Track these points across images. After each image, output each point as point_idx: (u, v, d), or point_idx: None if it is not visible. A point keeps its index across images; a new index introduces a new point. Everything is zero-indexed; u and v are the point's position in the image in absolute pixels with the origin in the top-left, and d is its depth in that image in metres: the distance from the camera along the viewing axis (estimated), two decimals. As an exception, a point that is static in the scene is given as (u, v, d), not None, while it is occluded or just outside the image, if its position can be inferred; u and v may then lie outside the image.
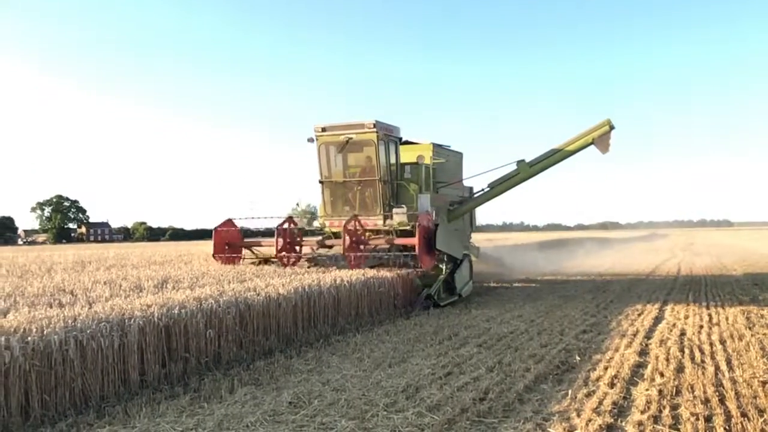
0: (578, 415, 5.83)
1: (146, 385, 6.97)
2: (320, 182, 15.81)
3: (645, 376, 7.21)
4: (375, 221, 15.00)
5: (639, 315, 12.01)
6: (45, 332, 6.03)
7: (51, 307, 7.47)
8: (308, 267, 14.26)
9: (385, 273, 12.78)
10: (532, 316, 12.11)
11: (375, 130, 14.71)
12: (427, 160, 16.23)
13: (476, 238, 21.11)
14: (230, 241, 15.72)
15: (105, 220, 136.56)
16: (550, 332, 10.25)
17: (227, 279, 10.85)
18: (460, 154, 19.11)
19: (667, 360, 8.02)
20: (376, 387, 6.85)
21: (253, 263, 15.19)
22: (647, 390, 6.60)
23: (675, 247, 48.66)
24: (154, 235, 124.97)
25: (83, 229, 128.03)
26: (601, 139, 16.19)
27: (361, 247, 13.94)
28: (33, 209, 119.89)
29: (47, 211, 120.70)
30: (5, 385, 5.58)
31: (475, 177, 19.08)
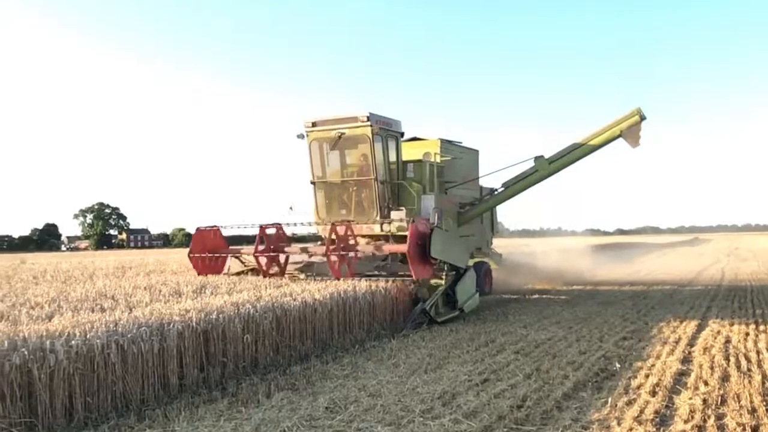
0: (618, 424, 5.71)
1: (185, 389, 7.07)
2: (312, 183, 14.36)
3: (688, 385, 7.01)
4: (372, 225, 13.55)
5: (681, 322, 11.72)
6: (88, 336, 6.17)
7: (93, 311, 7.65)
8: (304, 277, 12.90)
9: (382, 284, 11.31)
10: (571, 322, 11.92)
11: (369, 123, 13.20)
12: (435, 158, 14.92)
13: (503, 244, 20.63)
14: (213, 247, 13.92)
15: (145, 227, 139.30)
16: (589, 339, 10.07)
17: (264, 284, 10.96)
18: (476, 151, 17.63)
19: (712, 368, 7.80)
20: (412, 393, 6.81)
21: (239, 273, 13.77)
22: (691, 399, 6.42)
23: (719, 252, 47.37)
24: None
25: (123, 236, 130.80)
26: (630, 131, 14.61)
27: (350, 254, 12.24)
28: (76, 216, 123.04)
29: (89, 218, 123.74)
30: (50, 388, 5.72)
31: (489, 176, 17.32)
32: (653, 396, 6.58)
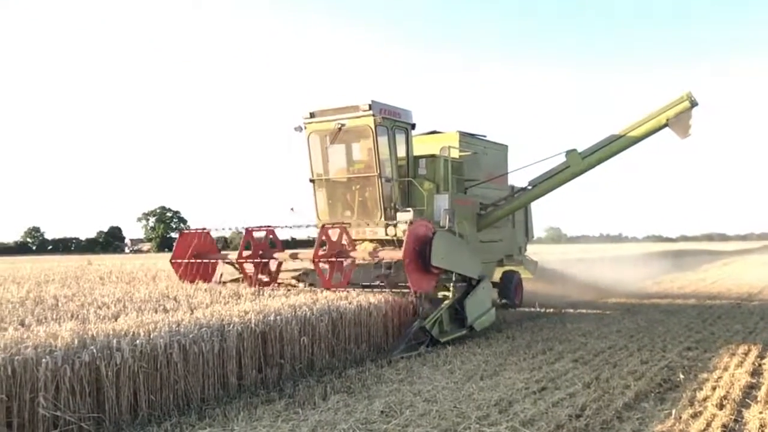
0: (684, 437, 5.52)
1: (243, 389, 7.22)
2: (311, 181, 13.03)
3: (758, 398, 6.71)
4: (375, 228, 12.10)
5: (750, 333, 11.23)
6: (152, 336, 6.38)
7: (156, 312, 7.89)
8: (306, 286, 11.38)
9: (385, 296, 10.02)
10: (632, 331, 11.58)
11: (371, 113, 11.72)
12: (453, 153, 13.37)
13: (558, 253, 19.32)
14: (200, 251, 12.19)
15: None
16: (651, 348, 9.76)
17: (320, 287, 11.02)
18: (504, 146, 15.95)
19: (784, 381, 7.45)
20: (468, 399, 6.75)
21: (234, 281, 12.01)
22: (761, 413, 6.14)
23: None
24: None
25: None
26: (678, 119, 12.73)
27: (346, 261, 10.61)
28: (139, 219, 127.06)
29: (151, 221, 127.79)
30: (116, 385, 5.94)
31: (515, 173, 15.51)
32: (720, 409, 6.33)
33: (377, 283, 10.91)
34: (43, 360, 5.40)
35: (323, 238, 10.57)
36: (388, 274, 11.02)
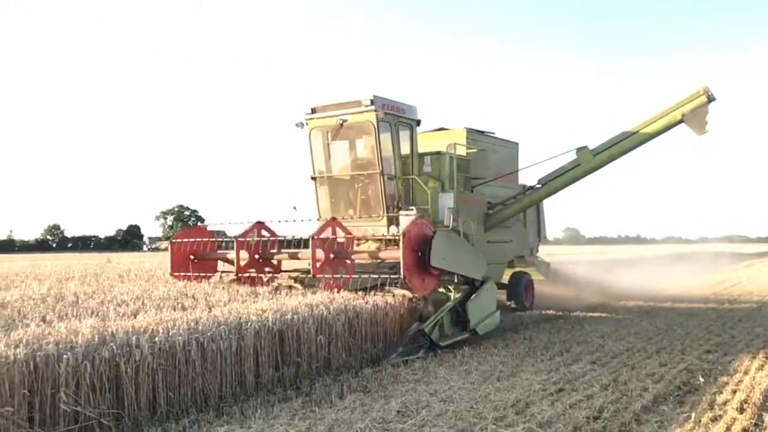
0: (703, 441, 5.46)
1: (261, 387, 7.25)
2: (312, 179, 12.75)
3: (780, 403, 6.63)
4: (378, 228, 11.72)
5: (772, 336, 11.09)
6: (170, 333, 6.43)
7: (175, 309, 7.96)
8: (301, 287, 10.74)
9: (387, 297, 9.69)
10: (650, 333, 11.47)
11: (373, 108, 11.42)
12: (459, 150, 12.94)
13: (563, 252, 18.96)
14: (196, 253, 11.79)
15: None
16: (670, 351, 9.67)
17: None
18: (514, 144, 15.53)
19: (806, 386, 7.34)
20: (485, 400, 6.73)
21: (235, 280, 11.27)
22: (783, 417, 6.07)
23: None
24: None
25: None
26: (694, 114, 12.27)
27: (347, 261, 10.33)
28: (157, 218, 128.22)
29: (170, 219, 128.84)
30: (135, 381, 6.00)
31: (522, 172, 15.15)
32: (741, 413, 6.25)
33: (379, 283, 10.27)
34: (64, 356, 5.48)
35: (318, 243, 9.97)
36: (389, 275, 10.28)
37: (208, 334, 6.75)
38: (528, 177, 15.26)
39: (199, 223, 12.02)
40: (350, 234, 10.78)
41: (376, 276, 10.19)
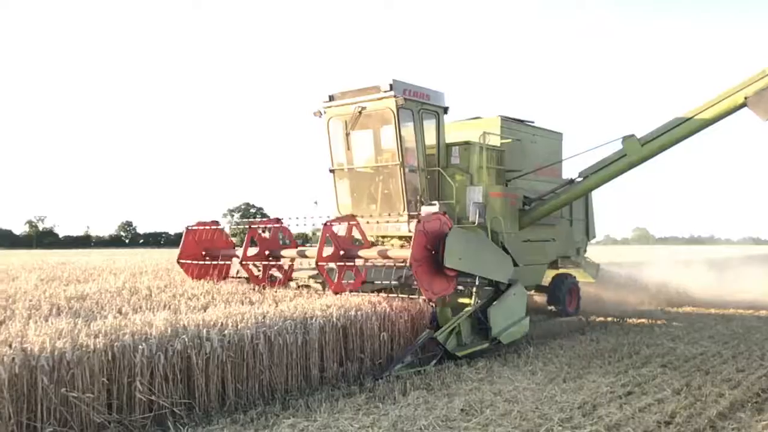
0: (785, 451, 5.20)
1: (325, 382, 7.37)
2: (331, 171, 12.01)
3: None
4: (398, 225, 10.93)
5: None
6: (239, 327, 6.61)
7: (243, 304, 8.18)
8: (319, 287, 10.29)
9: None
10: (726, 337, 10.99)
11: (392, 94, 10.48)
12: (491, 140, 11.98)
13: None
14: (210, 247, 11.46)
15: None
16: (747, 356, 9.24)
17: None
18: (558, 134, 14.24)
19: None
20: (550, 401, 6.62)
21: (242, 280, 10.88)
22: None
23: None
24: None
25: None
26: (759, 96, 10.72)
27: (356, 262, 9.50)
28: (224, 215, 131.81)
29: (236, 216, 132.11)
30: (206, 373, 6.19)
31: (564, 162, 13.94)
32: (826, 423, 5.92)
33: (395, 284, 9.31)
34: (140, 347, 5.71)
35: (327, 235, 9.46)
36: (407, 276, 9.18)
37: (275, 328, 6.90)
38: (573, 170, 13.97)
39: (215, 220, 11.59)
40: (365, 239, 10.16)
41: (387, 282, 9.21)
